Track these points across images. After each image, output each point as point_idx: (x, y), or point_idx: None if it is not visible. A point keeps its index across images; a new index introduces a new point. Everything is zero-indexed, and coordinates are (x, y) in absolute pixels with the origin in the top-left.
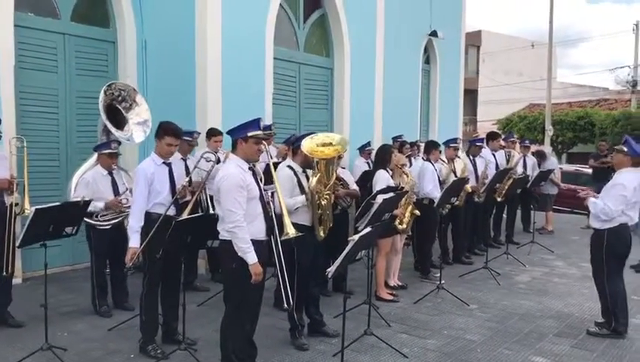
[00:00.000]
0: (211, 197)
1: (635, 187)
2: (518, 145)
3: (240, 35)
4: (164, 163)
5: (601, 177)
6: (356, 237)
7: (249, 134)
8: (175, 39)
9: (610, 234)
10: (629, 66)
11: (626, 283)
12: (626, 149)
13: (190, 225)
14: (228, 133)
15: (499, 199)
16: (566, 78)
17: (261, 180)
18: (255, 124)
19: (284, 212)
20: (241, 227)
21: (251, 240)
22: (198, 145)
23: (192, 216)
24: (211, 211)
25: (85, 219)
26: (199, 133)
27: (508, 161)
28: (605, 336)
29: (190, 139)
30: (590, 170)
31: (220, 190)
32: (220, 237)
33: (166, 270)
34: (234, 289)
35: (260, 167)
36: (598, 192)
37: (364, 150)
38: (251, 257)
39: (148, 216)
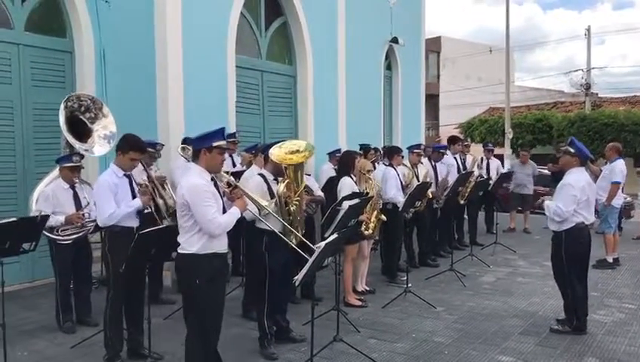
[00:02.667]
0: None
1: (584, 186)
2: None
3: (201, 44)
4: (124, 175)
5: (559, 180)
6: (322, 244)
7: (214, 144)
8: (135, 48)
9: (567, 236)
10: (582, 70)
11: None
12: (572, 150)
13: (154, 237)
14: (190, 142)
15: (462, 202)
16: (524, 81)
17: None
18: (219, 133)
19: (251, 195)
20: (223, 224)
21: (213, 253)
22: (161, 157)
23: (156, 228)
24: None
25: (46, 234)
26: (162, 145)
27: (464, 164)
28: (567, 333)
29: (153, 150)
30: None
31: (189, 203)
32: (180, 251)
33: (130, 283)
34: (196, 305)
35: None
36: None
37: (333, 155)
38: (235, 212)
39: (111, 228)
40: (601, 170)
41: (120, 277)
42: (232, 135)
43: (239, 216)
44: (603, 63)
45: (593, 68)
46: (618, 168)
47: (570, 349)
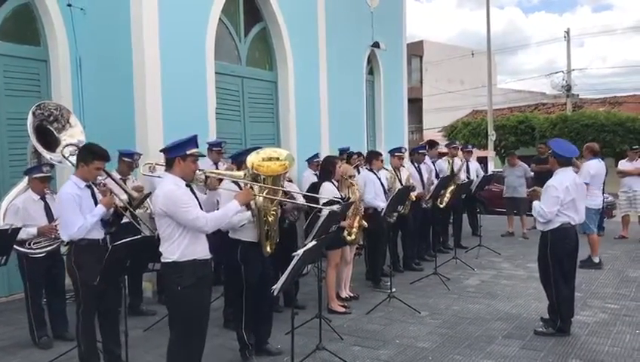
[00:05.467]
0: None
1: (568, 186)
2: (460, 151)
3: (179, 51)
4: (86, 185)
5: (543, 180)
6: (300, 251)
7: (188, 152)
8: (112, 56)
9: (553, 235)
10: (563, 72)
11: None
12: (556, 153)
13: (128, 249)
14: (164, 151)
15: (441, 205)
16: (506, 84)
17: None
18: (193, 141)
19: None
20: (211, 218)
21: (194, 260)
22: (138, 167)
23: (130, 239)
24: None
25: (16, 248)
26: (140, 155)
27: (451, 167)
28: (551, 335)
29: (130, 160)
30: (533, 173)
31: (167, 212)
32: (163, 260)
33: (104, 296)
34: (180, 313)
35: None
36: None
37: (312, 161)
38: (234, 207)
39: (77, 242)
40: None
41: (90, 290)
42: (218, 144)
43: (238, 209)
44: (583, 65)
45: (573, 70)
46: (586, 169)
47: (554, 351)
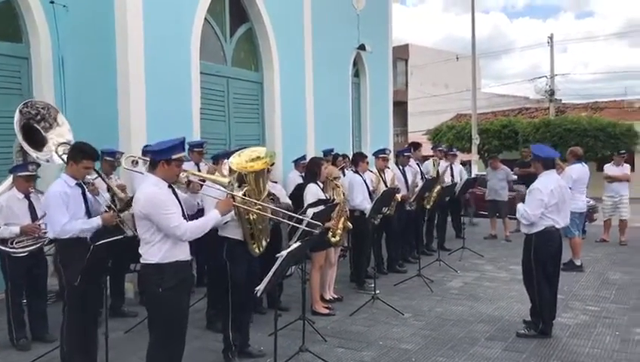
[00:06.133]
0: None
1: (552, 190)
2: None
3: (164, 50)
4: (77, 184)
5: (527, 183)
6: (284, 253)
7: (173, 157)
8: (95, 55)
9: (537, 238)
10: (546, 76)
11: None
12: (539, 156)
13: (110, 249)
14: (149, 152)
15: (427, 207)
16: (490, 88)
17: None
18: (180, 146)
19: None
20: (191, 228)
21: (175, 261)
22: (120, 165)
23: (111, 238)
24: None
25: None
26: (122, 153)
27: (436, 169)
28: (533, 337)
29: (112, 159)
30: (516, 177)
31: (148, 215)
32: (142, 261)
33: (86, 296)
34: (160, 315)
35: None
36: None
37: (299, 163)
38: (214, 216)
39: (65, 240)
40: None
41: (75, 290)
42: (200, 144)
43: (218, 219)
44: (566, 70)
45: (557, 75)
46: (569, 173)
47: (535, 353)
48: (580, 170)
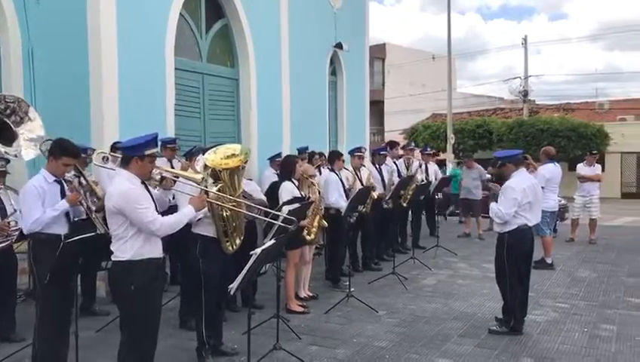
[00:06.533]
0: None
1: (525, 188)
2: (419, 153)
3: (138, 45)
4: (55, 180)
5: (500, 182)
6: (258, 250)
7: (146, 153)
8: (66, 48)
9: (510, 237)
10: (520, 77)
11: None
12: (501, 161)
13: (81, 246)
14: (122, 148)
15: (404, 205)
16: (466, 88)
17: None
18: (153, 141)
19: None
20: (166, 223)
21: (148, 259)
22: (92, 162)
23: (83, 235)
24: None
25: None
26: (94, 150)
27: (407, 168)
28: (505, 334)
29: (84, 155)
30: (489, 176)
31: (122, 210)
32: (113, 258)
33: (57, 295)
34: (133, 314)
35: None
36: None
37: (274, 160)
38: (188, 212)
39: (38, 236)
40: None
41: (47, 288)
42: (173, 141)
43: (192, 215)
44: (540, 72)
45: (530, 76)
46: (542, 173)
47: (507, 350)
48: (552, 170)
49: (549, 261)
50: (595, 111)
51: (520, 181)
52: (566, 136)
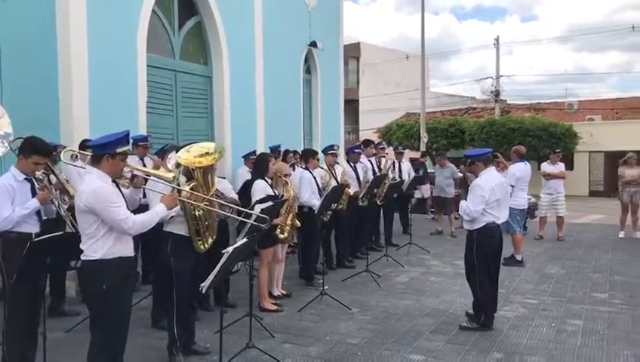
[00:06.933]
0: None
1: (493, 187)
2: (392, 152)
3: (109, 41)
4: (25, 179)
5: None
6: (230, 249)
7: (118, 151)
8: (35, 44)
9: (479, 234)
10: (492, 77)
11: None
12: (471, 160)
13: (49, 245)
14: (92, 146)
15: (379, 203)
16: (439, 88)
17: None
18: (124, 139)
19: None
20: (138, 221)
21: (119, 258)
22: (61, 160)
23: (51, 234)
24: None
25: None
26: (64, 147)
27: (380, 167)
28: (475, 330)
29: (54, 153)
30: (461, 175)
31: (93, 209)
32: (83, 258)
33: (26, 295)
34: (103, 313)
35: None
36: None
37: (248, 158)
38: (160, 211)
39: (8, 235)
40: None
41: (15, 288)
42: (145, 138)
43: (164, 214)
44: (511, 72)
45: (502, 76)
46: (512, 171)
47: (477, 345)
48: (522, 168)
49: (519, 258)
50: (565, 111)
51: (489, 179)
52: (536, 136)
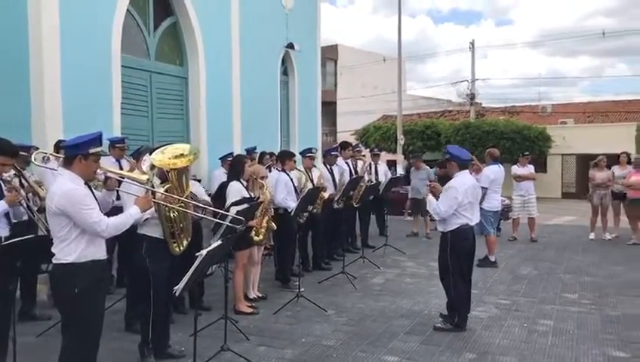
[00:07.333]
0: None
1: (467, 189)
2: (368, 154)
3: (83, 42)
4: None
5: (445, 182)
6: (204, 252)
7: (90, 151)
8: (5, 43)
9: (453, 236)
10: (467, 81)
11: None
12: (449, 157)
13: (19, 249)
14: (64, 147)
15: (355, 205)
16: (415, 90)
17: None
18: (97, 140)
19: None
20: (112, 223)
21: (92, 261)
22: (33, 161)
23: (21, 238)
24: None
25: None
26: (37, 148)
27: (356, 169)
28: (449, 330)
29: (26, 154)
30: (436, 177)
31: (65, 211)
32: (55, 261)
33: None
34: (76, 317)
35: None
36: None
37: (225, 160)
38: (134, 213)
39: None
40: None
41: None
42: (121, 140)
43: (138, 216)
44: (486, 75)
45: (477, 79)
46: (486, 174)
47: (451, 346)
48: (496, 171)
49: (492, 259)
50: (538, 114)
51: (463, 182)
52: (511, 138)
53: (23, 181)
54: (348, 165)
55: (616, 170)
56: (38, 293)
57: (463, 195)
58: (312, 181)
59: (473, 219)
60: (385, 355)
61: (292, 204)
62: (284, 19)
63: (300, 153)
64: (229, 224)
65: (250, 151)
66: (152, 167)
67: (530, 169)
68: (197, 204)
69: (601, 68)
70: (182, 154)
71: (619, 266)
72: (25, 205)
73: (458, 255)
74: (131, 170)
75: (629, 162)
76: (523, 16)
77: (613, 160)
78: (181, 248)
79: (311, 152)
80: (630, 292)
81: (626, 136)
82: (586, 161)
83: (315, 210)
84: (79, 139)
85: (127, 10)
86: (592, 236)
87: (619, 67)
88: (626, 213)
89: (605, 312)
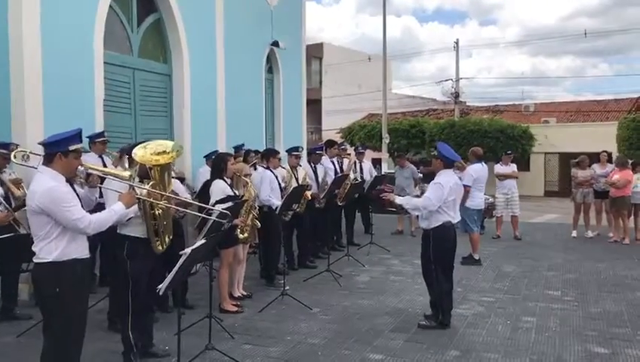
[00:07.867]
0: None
1: (451, 187)
2: (352, 152)
3: (64, 38)
4: None
5: (430, 180)
6: (188, 250)
7: (70, 148)
8: None
9: (436, 233)
10: (452, 80)
11: (453, 275)
12: (436, 154)
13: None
14: (44, 145)
15: (340, 203)
16: (400, 89)
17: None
18: (77, 136)
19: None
20: (95, 220)
21: (74, 259)
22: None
23: (0, 236)
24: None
25: None
26: (17, 146)
27: (342, 168)
28: (434, 328)
29: (6, 151)
30: (421, 175)
31: (46, 209)
32: (36, 260)
33: None
34: (58, 317)
35: None
36: None
37: (210, 158)
38: (118, 209)
39: None
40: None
41: None
42: (101, 134)
43: (123, 212)
44: (471, 74)
45: (462, 78)
46: (469, 172)
47: (435, 343)
48: (479, 169)
49: (476, 257)
50: (522, 113)
51: (448, 180)
52: (495, 137)
53: (5, 178)
54: (333, 164)
55: (597, 168)
56: (19, 293)
57: (448, 192)
58: (296, 179)
59: (455, 216)
60: (370, 353)
61: (276, 202)
62: (269, 16)
63: (287, 151)
64: (216, 219)
65: (238, 149)
66: (135, 162)
67: (512, 167)
68: (181, 199)
69: (584, 68)
70: (164, 151)
71: (601, 263)
72: (3, 203)
73: (440, 252)
74: (116, 163)
75: (609, 161)
76: (507, 16)
77: (594, 158)
78: (164, 246)
79: (297, 151)
80: (611, 289)
81: (607, 135)
82: (568, 160)
83: (298, 209)
84: (58, 136)
85: (110, 6)
86: (574, 234)
87: (601, 67)
88: (608, 211)
89: (587, 309)
